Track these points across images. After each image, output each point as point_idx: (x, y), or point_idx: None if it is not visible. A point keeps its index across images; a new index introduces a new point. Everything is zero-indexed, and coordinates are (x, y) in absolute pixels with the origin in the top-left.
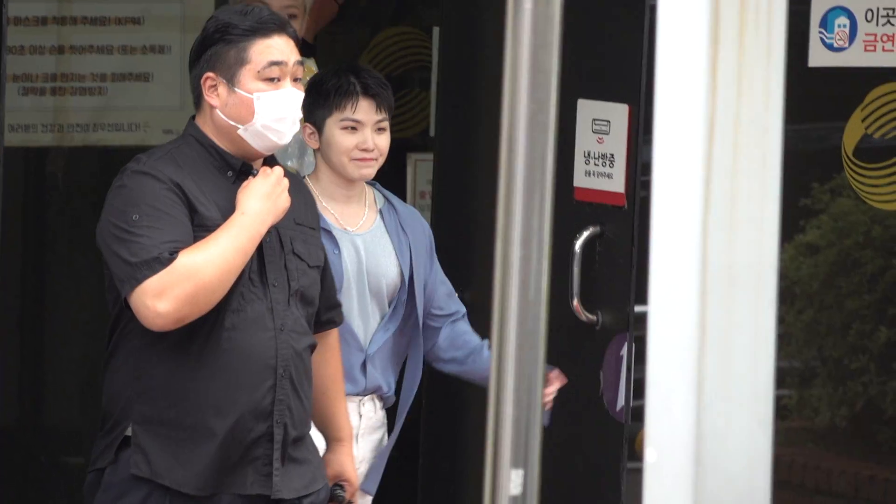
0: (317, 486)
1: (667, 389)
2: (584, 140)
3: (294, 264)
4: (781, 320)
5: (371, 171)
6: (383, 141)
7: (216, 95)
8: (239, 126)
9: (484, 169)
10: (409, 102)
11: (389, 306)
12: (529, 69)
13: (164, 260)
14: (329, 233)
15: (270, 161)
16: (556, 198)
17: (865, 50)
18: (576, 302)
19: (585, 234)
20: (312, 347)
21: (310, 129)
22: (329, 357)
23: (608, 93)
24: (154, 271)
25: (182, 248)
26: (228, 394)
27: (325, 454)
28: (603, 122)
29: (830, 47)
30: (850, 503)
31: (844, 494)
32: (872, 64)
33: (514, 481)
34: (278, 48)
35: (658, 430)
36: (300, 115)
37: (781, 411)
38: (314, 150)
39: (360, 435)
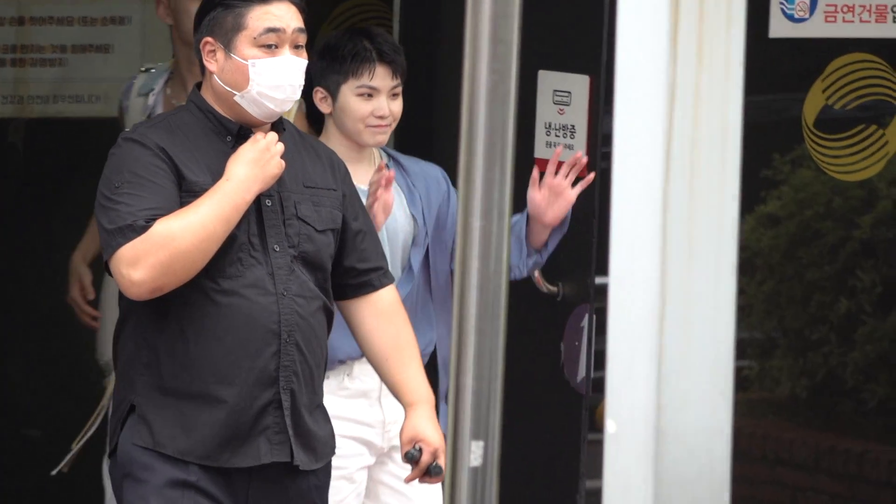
0: (323, 461)
1: (627, 361)
2: (545, 111)
3: (296, 229)
4: (742, 291)
5: (385, 137)
6: (397, 107)
7: (214, 61)
8: (235, 92)
9: (444, 140)
10: None
11: (409, 258)
12: (490, 40)
13: (138, 227)
14: None
15: (277, 126)
16: (517, 169)
17: (826, 21)
18: (537, 273)
19: None
20: (328, 313)
21: (322, 93)
22: (382, 324)
23: (569, 64)
24: (127, 239)
25: (161, 215)
26: (231, 360)
27: (403, 421)
28: (564, 93)
29: (791, 18)
30: (810, 474)
31: (804, 465)
32: (833, 35)
33: (474, 453)
34: (277, 15)
35: (618, 401)
36: (302, 82)
37: (742, 382)
38: (325, 115)
39: (381, 397)
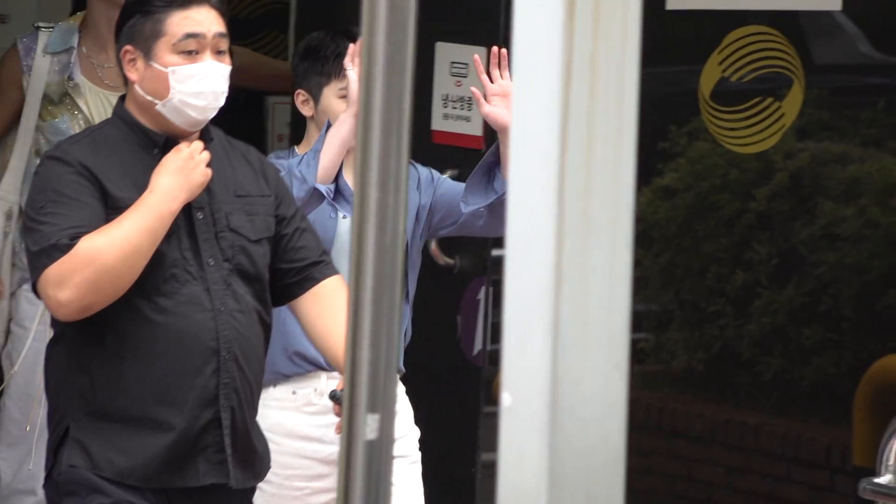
0: (260, 479)
1: (523, 333)
2: (442, 83)
3: (229, 241)
4: (638, 263)
5: None
6: None
7: (135, 70)
8: (157, 101)
9: None
10: (267, 45)
11: None
12: (387, 11)
13: (62, 247)
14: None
15: (205, 135)
16: (414, 141)
17: None
18: (434, 245)
19: None
20: (265, 326)
21: (303, 96)
22: (325, 305)
23: (466, 35)
24: (52, 259)
25: (86, 233)
26: (171, 380)
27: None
28: (461, 64)
29: None
30: (706, 446)
31: (701, 438)
32: (729, 7)
33: (369, 426)
34: (197, 20)
35: (514, 374)
36: (225, 88)
37: (638, 355)
38: (307, 118)
39: None
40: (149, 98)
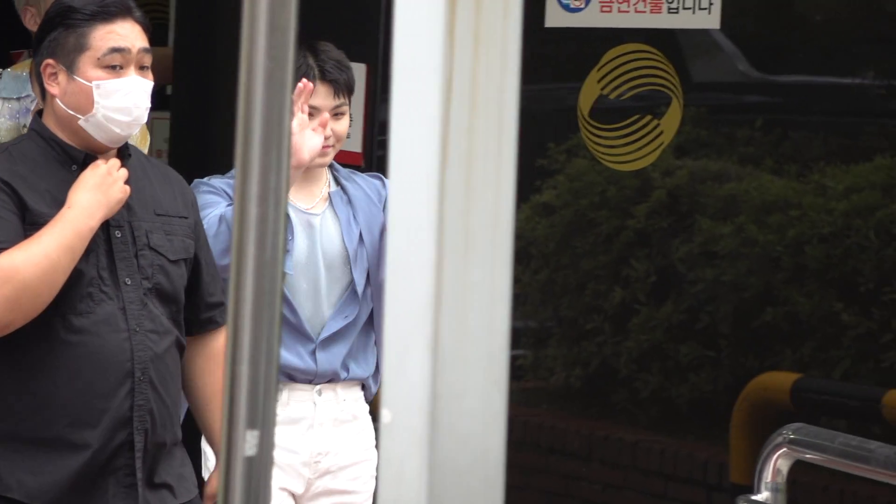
0: (179, 501)
1: (402, 350)
2: None
3: (148, 260)
4: (517, 280)
5: (328, 158)
6: (341, 126)
7: (56, 84)
8: (79, 116)
9: (221, 127)
10: None
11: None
12: (267, 27)
13: None
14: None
15: (123, 152)
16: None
17: (602, 11)
18: None
19: None
20: (180, 348)
21: None
22: (211, 366)
23: (346, 52)
24: None
25: (4, 248)
26: (84, 401)
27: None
28: None
29: (567, 8)
30: (583, 463)
31: (578, 454)
32: (608, 25)
33: (249, 442)
34: (121, 34)
35: (393, 390)
36: (148, 104)
37: (516, 371)
38: None
39: (315, 426)
40: (71, 113)
